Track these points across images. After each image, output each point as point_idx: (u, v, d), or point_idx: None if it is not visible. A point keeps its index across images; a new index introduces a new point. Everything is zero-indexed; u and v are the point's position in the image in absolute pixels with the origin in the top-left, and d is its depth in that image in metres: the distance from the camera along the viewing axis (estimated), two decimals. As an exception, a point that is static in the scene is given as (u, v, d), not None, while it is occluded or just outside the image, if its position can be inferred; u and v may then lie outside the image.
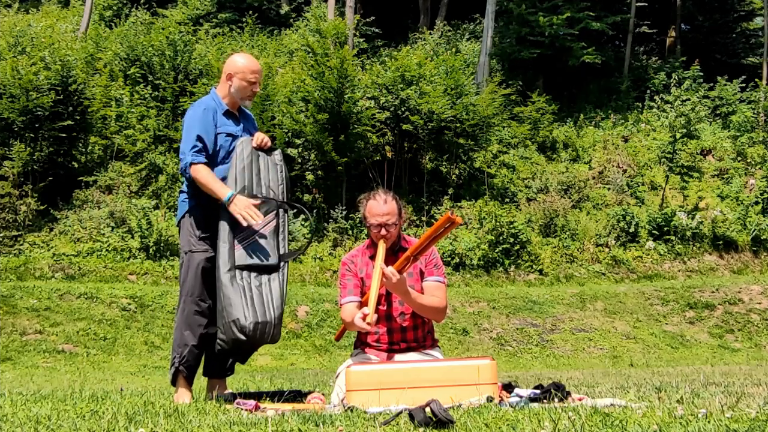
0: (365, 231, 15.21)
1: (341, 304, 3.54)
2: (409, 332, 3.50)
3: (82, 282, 12.73)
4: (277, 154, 3.85)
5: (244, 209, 3.54)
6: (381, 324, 3.46)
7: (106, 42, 18.96)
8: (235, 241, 3.61)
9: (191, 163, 3.65)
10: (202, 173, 3.64)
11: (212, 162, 3.74)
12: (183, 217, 3.82)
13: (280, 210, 3.75)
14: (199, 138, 3.69)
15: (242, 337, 3.47)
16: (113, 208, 14.29)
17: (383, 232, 3.44)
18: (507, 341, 12.47)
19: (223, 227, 3.62)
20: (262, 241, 3.64)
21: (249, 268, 3.61)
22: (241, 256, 3.60)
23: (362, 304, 3.46)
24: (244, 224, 3.55)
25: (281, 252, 3.72)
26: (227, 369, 3.95)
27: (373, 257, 3.49)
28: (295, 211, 3.87)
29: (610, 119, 20.89)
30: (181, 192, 3.87)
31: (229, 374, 3.98)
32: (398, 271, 3.29)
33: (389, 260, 3.40)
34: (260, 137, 3.80)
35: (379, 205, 3.45)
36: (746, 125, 20.19)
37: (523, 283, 14.91)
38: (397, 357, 3.45)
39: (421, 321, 3.53)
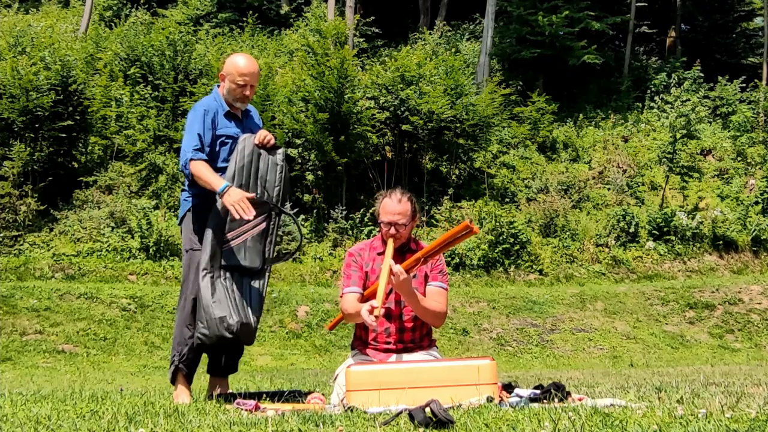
0: (365, 231, 15.26)
1: (343, 293, 3.54)
2: (406, 333, 3.51)
3: (82, 282, 12.73)
4: (280, 154, 3.81)
5: (237, 202, 3.48)
6: (381, 322, 3.46)
7: (106, 42, 18.95)
8: (226, 237, 3.62)
9: (191, 159, 3.64)
10: (200, 168, 3.63)
11: (213, 164, 3.74)
12: (185, 215, 3.82)
13: (272, 213, 3.74)
14: (200, 136, 3.69)
15: (228, 335, 3.47)
16: (113, 208, 14.29)
17: (392, 231, 3.45)
18: (507, 341, 12.47)
19: (210, 229, 3.63)
20: (249, 244, 3.65)
21: (231, 268, 3.62)
22: (226, 256, 3.61)
23: (363, 297, 3.48)
24: (236, 217, 3.49)
25: (267, 256, 3.71)
26: (231, 367, 3.95)
27: (381, 253, 3.51)
28: (287, 215, 3.79)
29: (610, 119, 20.89)
30: (183, 191, 3.87)
31: (232, 371, 3.98)
32: (406, 270, 3.30)
33: (395, 260, 3.41)
34: (263, 135, 3.76)
35: (393, 204, 3.46)
36: (746, 125, 20.19)
37: (523, 283, 14.91)
38: (396, 357, 3.46)
39: (421, 322, 3.54)
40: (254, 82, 3.82)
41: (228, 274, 3.61)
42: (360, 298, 3.48)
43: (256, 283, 3.67)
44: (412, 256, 3.41)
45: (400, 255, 3.48)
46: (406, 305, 3.46)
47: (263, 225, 3.69)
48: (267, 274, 3.74)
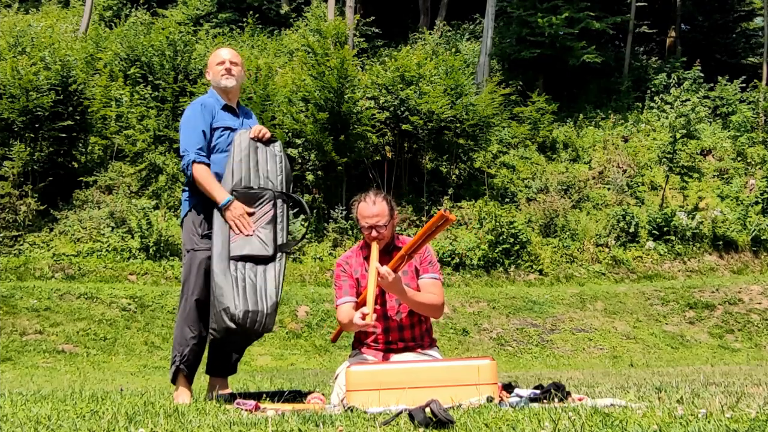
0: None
1: (337, 305, 3.54)
2: (406, 331, 3.50)
3: (82, 282, 12.73)
4: (277, 146, 3.84)
5: (237, 217, 3.58)
6: (378, 323, 3.46)
7: (106, 42, 18.96)
8: (231, 233, 3.62)
9: (194, 161, 3.67)
10: (203, 174, 3.67)
11: (209, 153, 3.77)
12: (186, 215, 3.83)
13: (278, 200, 3.74)
14: (204, 134, 3.73)
15: (232, 325, 3.46)
16: (113, 208, 14.29)
17: (374, 233, 3.44)
18: (507, 341, 12.47)
19: (218, 219, 3.64)
20: (258, 232, 3.65)
21: (244, 258, 3.61)
22: (237, 247, 3.61)
23: (358, 305, 3.47)
24: (236, 232, 3.58)
25: (279, 242, 3.71)
26: (230, 368, 3.95)
27: (367, 258, 3.49)
28: (292, 203, 3.82)
29: (610, 119, 20.90)
30: (184, 190, 3.88)
31: (231, 373, 3.98)
32: (393, 270, 3.29)
33: (383, 260, 3.40)
34: (258, 128, 3.80)
35: (369, 207, 3.45)
36: (746, 125, 20.20)
37: (523, 283, 14.91)
38: (395, 357, 3.45)
39: (418, 319, 3.53)
40: (234, 59, 3.93)
41: (239, 265, 3.60)
42: (355, 307, 3.46)
43: (270, 271, 3.64)
44: (398, 253, 3.39)
45: (387, 254, 3.47)
46: (402, 303, 3.46)
47: (271, 212, 3.70)
48: (283, 260, 3.72)
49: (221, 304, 3.49)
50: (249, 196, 3.67)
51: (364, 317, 3.22)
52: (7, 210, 14.01)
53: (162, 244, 13.88)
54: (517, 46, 21.98)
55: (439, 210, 3.04)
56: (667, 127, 17.84)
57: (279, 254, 3.69)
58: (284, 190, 3.78)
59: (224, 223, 3.63)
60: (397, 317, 3.49)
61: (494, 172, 18.02)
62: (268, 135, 3.82)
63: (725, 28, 27.08)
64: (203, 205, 3.74)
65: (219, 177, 3.73)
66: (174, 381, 3.77)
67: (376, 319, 3.43)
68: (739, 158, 19.50)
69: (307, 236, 14.04)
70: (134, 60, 17.63)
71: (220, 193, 3.61)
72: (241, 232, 3.58)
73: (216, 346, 3.73)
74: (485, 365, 2.98)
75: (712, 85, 21.52)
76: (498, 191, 17.34)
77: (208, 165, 3.70)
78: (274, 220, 3.70)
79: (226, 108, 3.89)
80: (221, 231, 3.62)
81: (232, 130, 3.82)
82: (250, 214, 3.62)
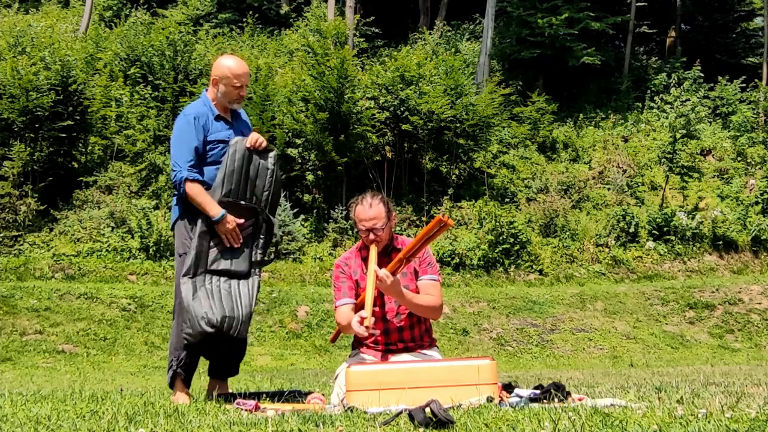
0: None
1: (336, 307, 3.54)
2: (405, 332, 3.50)
3: (82, 282, 12.73)
4: (271, 157, 3.81)
5: (230, 231, 3.65)
6: (377, 325, 3.46)
7: (106, 42, 18.96)
8: (211, 244, 3.67)
9: (186, 179, 3.66)
10: (196, 191, 3.67)
11: (202, 164, 3.75)
12: (177, 220, 3.84)
13: (260, 218, 3.75)
14: (196, 150, 3.71)
15: (210, 329, 3.50)
16: (113, 208, 14.29)
17: (372, 236, 3.43)
18: (507, 341, 12.47)
19: (197, 235, 3.67)
20: (235, 248, 3.70)
21: (219, 273, 3.65)
22: (213, 261, 3.65)
23: (356, 306, 3.46)
24: (227, 245, 3.68)
25: (254, 259, 3.74)
26: (231, 370, 3.95)
27: (366, 258, 3.47)
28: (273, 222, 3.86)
29: (610, 119, 20.89)
30: (174, 195, 3.88)
31: (232, 374, 3.99)
32: (392, 273, 3.29)
33: (382, 261, 3.39)
34: (254, 138, 3.76)
35: (366, 210, 3.43)
36: (746, 125, 20.20)
37: (523, 283, 14.91)
38: (393, 358, 3.45)
39: (417, 320, 3.53)
40: (247, 81, 3.91)
41: (214, 278, 3.65)
42: (354, 308, 3.46)
43: (244, 286, 3.70)
44: (397, 254, 3.39)
45: (386, 256, 3.46)
46: (401, 304, 3.46)
47: (250, 229, 3.73)
48: (257, 277, 3.77)
49: (198, 312, 3.52)
50: (236, 209, 3.69)
51: (362, 321, 3.22)
52: (7, 210, 14.00)
53: (162, 244, 13.88)
54: (517, 47, 21.98)
55: (437, 214, 3.04)
56: (667, 127, 17.83)
57: (253, 270, 3.74)
58: (268, 207, 3.79)
59: (202, 236, 3.68)
60: (396, 319, 3.49)
61: (494, 172, 18.02)
62: (264, 144, 3.79)
63: (725, 28, 27.07)
64: (193, 211, 3.75)
65: (210, 185, 3.73)
66: (171, 385, 3.77)
67: (376, 321, 3.43)
68: (739, 158, 19.50)
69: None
70: (134, 60, 17.63)
71: (214, 208, 3.64)
72: (231, 245, 3.67)
73: (186, 346, 3.69)
74: (485, 365, 2.98)
75: (712, 85, 21.51)
76: (498, 191, 17.33)
77: (201, 182, 3.70)
78: (252, 238, 3.74)
79: (219, 118, 3.85)
80: (195, 246, 3.67)
81: (226, 142, 3.79)
82: (239, 225, 3.68)
